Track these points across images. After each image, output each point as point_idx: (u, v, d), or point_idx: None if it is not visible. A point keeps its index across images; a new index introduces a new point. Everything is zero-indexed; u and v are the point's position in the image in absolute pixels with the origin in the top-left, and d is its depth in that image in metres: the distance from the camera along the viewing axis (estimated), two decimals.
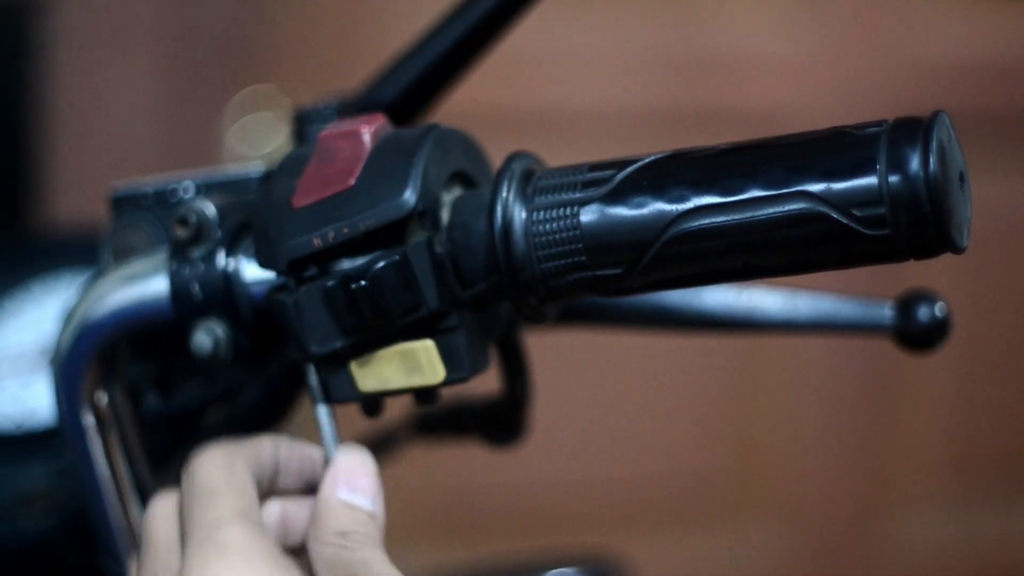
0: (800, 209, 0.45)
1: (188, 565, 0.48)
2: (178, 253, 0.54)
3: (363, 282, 0.49)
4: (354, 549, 0.49)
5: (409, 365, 0.51)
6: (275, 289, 0.52)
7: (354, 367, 0.51)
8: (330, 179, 0.50)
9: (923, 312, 0.58)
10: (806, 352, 1.55)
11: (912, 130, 0.44)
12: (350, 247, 0.50)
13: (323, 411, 0.53)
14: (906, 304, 0.58)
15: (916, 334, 0.58)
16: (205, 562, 0.48)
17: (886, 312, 0.59)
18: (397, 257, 0.49)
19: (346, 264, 0.50)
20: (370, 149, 0.51)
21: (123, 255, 0.58)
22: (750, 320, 0.60)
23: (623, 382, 1.53)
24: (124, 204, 0.59)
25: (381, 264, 0.49)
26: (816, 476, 1.61)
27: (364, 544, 0.50)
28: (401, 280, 0.49)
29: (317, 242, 0.50)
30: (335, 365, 0.51)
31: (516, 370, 0.61)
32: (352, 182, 0.50)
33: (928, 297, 0.58)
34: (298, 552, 0.52)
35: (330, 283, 0.49)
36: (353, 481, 0.52)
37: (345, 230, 0.50)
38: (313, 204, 0.50)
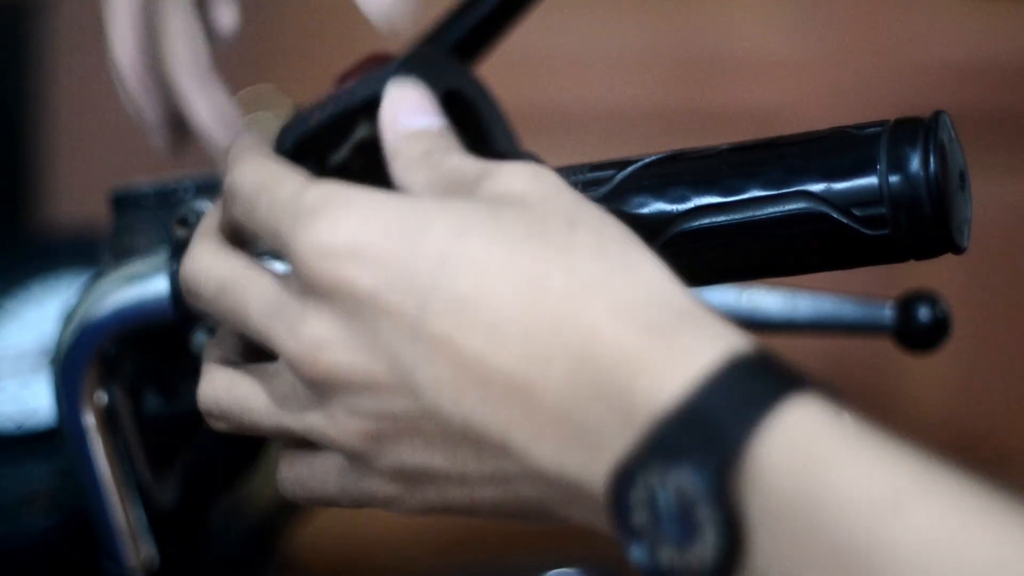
0: (800, 209, 0.45)
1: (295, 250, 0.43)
2: (178, 253, 0.54)
3: None
4: (441, 162, 0.45)
5: None
6: None
7: None
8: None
9: (923, 312, 0.58)
10: (806, 352, 1.55)
11: (912, 130, 0.44)
12: None
13: None
14: (906, 304, 0.58)
15: (916, 334, 0.58)
16: (312, 229, 0.42)
17: (886, 312, 0.59)
18: None
19: None
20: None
21: (123, 255, 0.58)
22: (750, 320, 0.60)
23: None
24: (124, 204, 0.59)
25: None
26: None
27: (450, 151, 0.46)
28: None
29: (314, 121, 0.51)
30: None
31: None
32: (350, 84, 0.51)
33: (928, 297, 0.58)
34: None
35: None
36: (409, 111, 0.48)
37: (331, 107, 0.50)
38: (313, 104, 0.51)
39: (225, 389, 0.47)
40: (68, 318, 0.56)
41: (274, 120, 0.63)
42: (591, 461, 0.39)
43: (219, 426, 0.48)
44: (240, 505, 0.79)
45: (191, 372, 0.59)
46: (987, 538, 0.33)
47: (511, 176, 0.44)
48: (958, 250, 0.45)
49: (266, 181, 0.46)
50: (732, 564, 0.36)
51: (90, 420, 0.57)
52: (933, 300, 0.58)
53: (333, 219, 0.42)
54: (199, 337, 0.54)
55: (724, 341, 0.38)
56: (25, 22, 1.23)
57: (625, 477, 0.37)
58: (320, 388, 0.43)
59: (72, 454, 0.58)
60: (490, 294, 0.40)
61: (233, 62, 1.40)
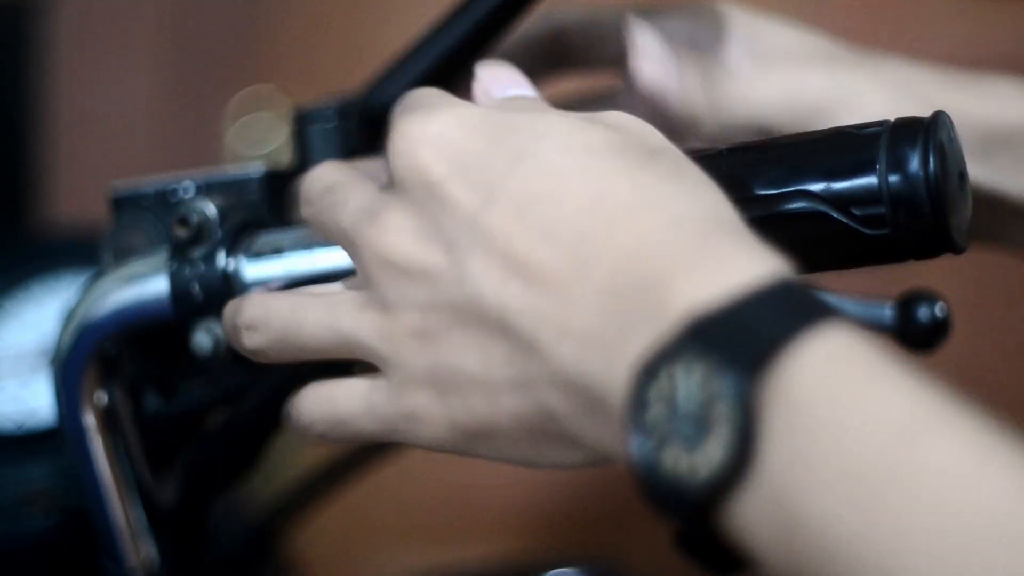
0: (800, 208, 0.45)
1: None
2: (178, 253, 0.54)
3: None
4: (533, 118, 0.46)
5: None
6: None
7: (357, 370, 0.51)
8: None
9: (923, 312, 0.58)
10: None
11: (912, 130, 0.44)
12: None
13: None
14: (906, 304, 0.58)
15: (916, 334, 0.58)
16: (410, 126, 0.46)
17: (886, 312, 0.59)
18: None
19: None
20: None
21: (123, 255, 0.58)
22: None
23: None
24: (124, 204, 0.59)
25: None
26: None
27: (547, 110, 0.48)
28: None
29: None
30: (339, 370, 0.51)
31: None
32: None
33: (928, 297, 0.58)
34: None
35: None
36: (502, 82, 0.51)
37: None
38: None
39: (282, 298, 0.49)
40: (68, 318, 0.56)
41: (274, 120, 0.63)
42: (614, 361, 0.39)
43: (252, 339, 0.50)
44: (240, 505, 0.80)
45: (191, 372, 0.60)
46: (1001, 471, 0.33)
47: (612, 113, 0.46)
48: (957, 250, 0.45)
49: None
50: (737, 472, 0.35)
51: (90, 420, 0.57)
52: (933, 300, 0.58)
53: (431, 113, 0.45)
54: (199, 337, 0.54)
55: (774, 264, 0.39)
56: (25, 22, 1.23)
57: (651, 366, 0.37)
58: (379, 275, 0.45)
59: (72, 454, 0.58)
60: (553, 193, 0.42)
61: (233, 62, 1.40)
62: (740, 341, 0.36)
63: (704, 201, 0.42)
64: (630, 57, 0.59)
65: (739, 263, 0.38)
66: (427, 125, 0.45)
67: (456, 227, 0.43)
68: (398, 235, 0.45)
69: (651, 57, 0.59)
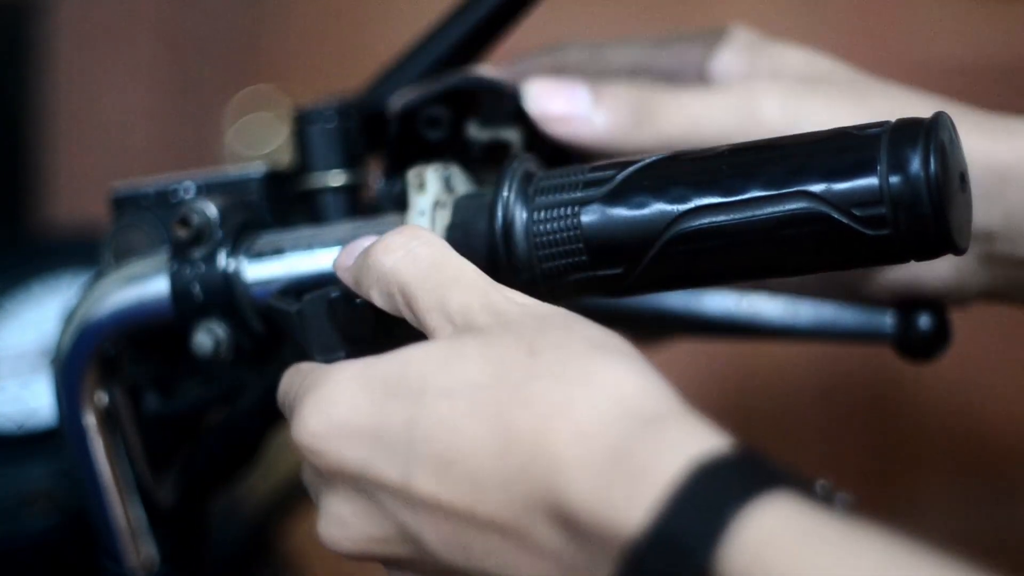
0: (800, 209, 0.45)
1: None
2: (179, 253, 0.54)
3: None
4: (406, 367, 0.45)
5: None
6: (278, 296, 0.52)
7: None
8: None
9: (923, 321, 0.57)
10: (805, 358, 1.55)
11: (913, 131, 0.44)
12: None
13: None
14: (906, 313, 0.58)
15: (916, 343, 0.58)
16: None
17: (886, 320, 0.58)
18: None
19: None
20: None
21: (124, 255, 0.58)
22: (750, 325, 0.60)
23: None
24: (125, 204, 0.59)
25: None
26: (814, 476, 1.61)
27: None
28: None
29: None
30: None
31: None
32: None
33: (929, 306, 0.58)
34: None
35: (334, 294, 0.49)
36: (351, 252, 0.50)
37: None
38: None
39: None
40: (68, 318, 0.56)
41: (274, 120, 0.63)
42: None
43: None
44: (240, 504, 0.80)
45: (191, 372, 0.60)
46: None
47: (466, 302, 0.45)
48: (958, 251, 0.45)
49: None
50: None
51: (90, 420, 0.57)
52: (934, 309, 0.58)
53: (318, 397, 0.45)
54: (199, 337, 0.54)
55: (688, 447, 0.38)
56: (25, 22, 1.23)
57: None
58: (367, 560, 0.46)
59: (72, 454, 0.58)
60: (461, 448, 0.42)
61: (233, 62, 1.40)
62: (676, 565, 0.36)
63: (602, 394, 0.41)
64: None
65: (653, 468, 0.38)
66: (320, 414, 0.45)
67: (395, 506, 0.43)
68: (346, 533, 0.45)
69: (539, 92, 0.57)
